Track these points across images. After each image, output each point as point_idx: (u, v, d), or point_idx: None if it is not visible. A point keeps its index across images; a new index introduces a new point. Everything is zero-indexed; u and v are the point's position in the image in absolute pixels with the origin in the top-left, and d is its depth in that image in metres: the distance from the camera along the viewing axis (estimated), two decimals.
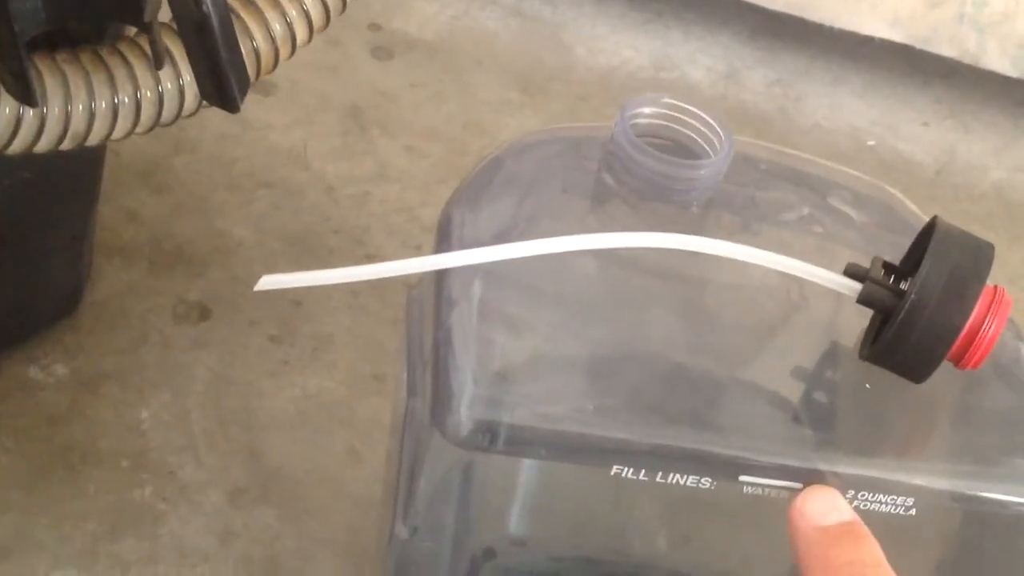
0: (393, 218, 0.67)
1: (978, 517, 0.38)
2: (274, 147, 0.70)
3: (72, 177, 0.53)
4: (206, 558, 0.49)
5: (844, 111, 0.80)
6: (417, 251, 0.65)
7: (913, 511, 0.36)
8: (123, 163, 0.66)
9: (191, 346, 0.58)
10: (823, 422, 0.37)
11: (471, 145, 0.73)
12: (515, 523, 0.45)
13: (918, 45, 0.79)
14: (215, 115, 0.69)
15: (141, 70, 0.43)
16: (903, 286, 0.35)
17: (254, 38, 0.45)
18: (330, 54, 0.77)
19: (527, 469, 0.43)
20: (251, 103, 0.72)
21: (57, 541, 0.49)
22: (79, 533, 0.49)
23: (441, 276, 0.39)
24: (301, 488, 0.52)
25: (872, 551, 0.32)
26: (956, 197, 0.76)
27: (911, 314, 0.33)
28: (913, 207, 0.45)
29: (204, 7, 0.37)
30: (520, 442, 0.35)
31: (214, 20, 0.37)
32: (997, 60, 0.78)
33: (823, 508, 0.33)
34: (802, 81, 0.82)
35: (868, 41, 0.80)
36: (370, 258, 0.64)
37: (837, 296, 0.40)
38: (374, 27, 0.79)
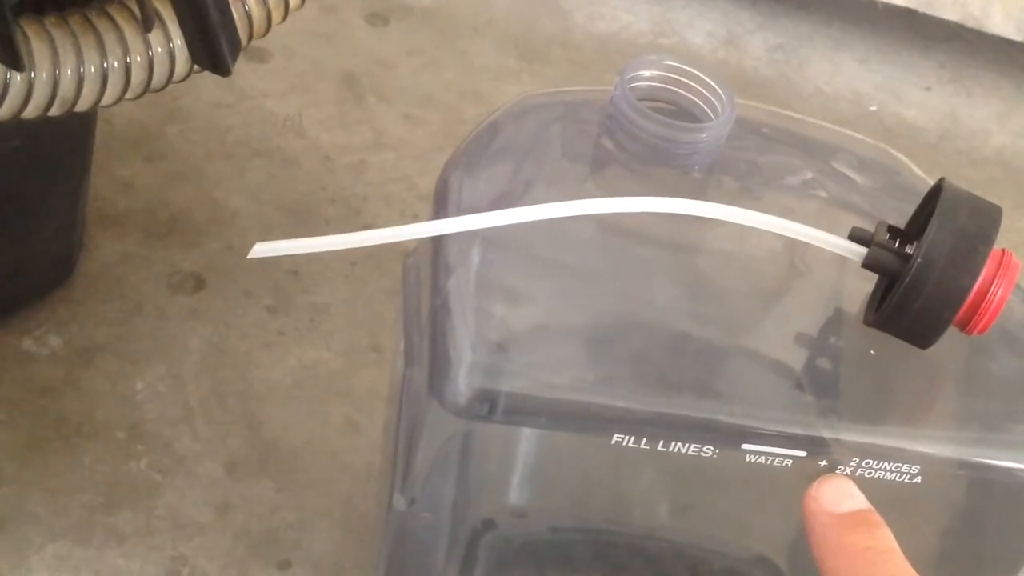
0: (390, 187, 0.66)
1: (983, 485, 0.38)
2: (269, 115, 0.69)
3: (63, 145, 0.52)
4: (203, 530, 0.49)
5: (846, 76, 0.79)
6: (414, 220, 0.64)
7: (919, 479, 0.35)
8: (116, 132, 0.65)
9: (186, 316, 0.57)
10: (827, 389, 0.37)
11: (468, 112, 0.72)
12: (515, 494, 0.45)
13: (921, 9, 0.78)
14: (209, 83, 0.68)
15: (131, 34, 0.42)
16: (909, 250, 0.34)
17: (246, 1, 0.44)
18: (325, 21, 0.75)
19: (527, 439, 0.42)
20: (246, 71, 0.72)
21: (52, 514, 0.48)
22: (74, 505, 0.49)
23: (438, 243, 0.38)
24: (299, 460, 0.52)
25: (886, 539, 0.32)
26: (959, 163, 0.75)
27: (917, 278, 0.33)
28: (918, 171, 0.44)
29: None
30: (519, 411, 0.34)
31: None
32: (1001, 24, 0.77)
33: (838, 496, 0.33)
34: (804, 46, 0.81)
35: (871, 5, 0.79)
36: (367, 227, 0.63)
37: (840, 262, 0.39)
38: None
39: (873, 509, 0.33)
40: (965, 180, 0.81)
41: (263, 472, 0.51)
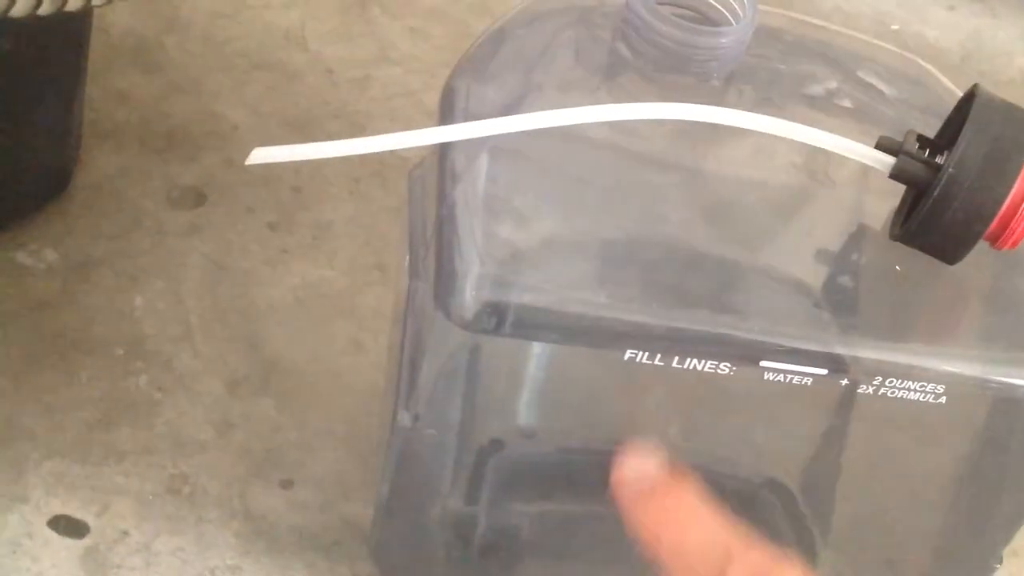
0: (395, 102, 0.64)
1: (1008, 405, 0.36)
2: (270, 27, 0.67)
3: (56, 50, 0.50)
4: (203, 448, 0.48)
5: None
6: None
7: (943, 399, 0.34)
8: (112, 42, 0.63)
9: (186, 232, 0.55)
10: (848, 306, 0.35)
11: (477, 26, 0.70)
12: (523, 413, 0.43)
13: None
14: None
15: None
16: (939, 160, 0.33)
17: None
18: None
19: (536, 356, 0.41)
20: None
21: (49, 430, 0.47)
22: (71, 422, 0.48)
23: (445, 152, 0.37)
24: (301, 379, 0.51)
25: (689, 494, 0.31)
26: (982, 83, 0.73)
27: (947, 188, 0.31)
28: (948, 83, 0.42)
29: None
30: (528, 324, 0.33)
31: None
32: None
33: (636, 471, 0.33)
34: None
35: None
36: None
37: (863, 176, 0.37)
38: None
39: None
40: None
41: (265, 391, 0.50)
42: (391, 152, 0.61)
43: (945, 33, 0.75)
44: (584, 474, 0.44)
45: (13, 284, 0.52)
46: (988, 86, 0.75)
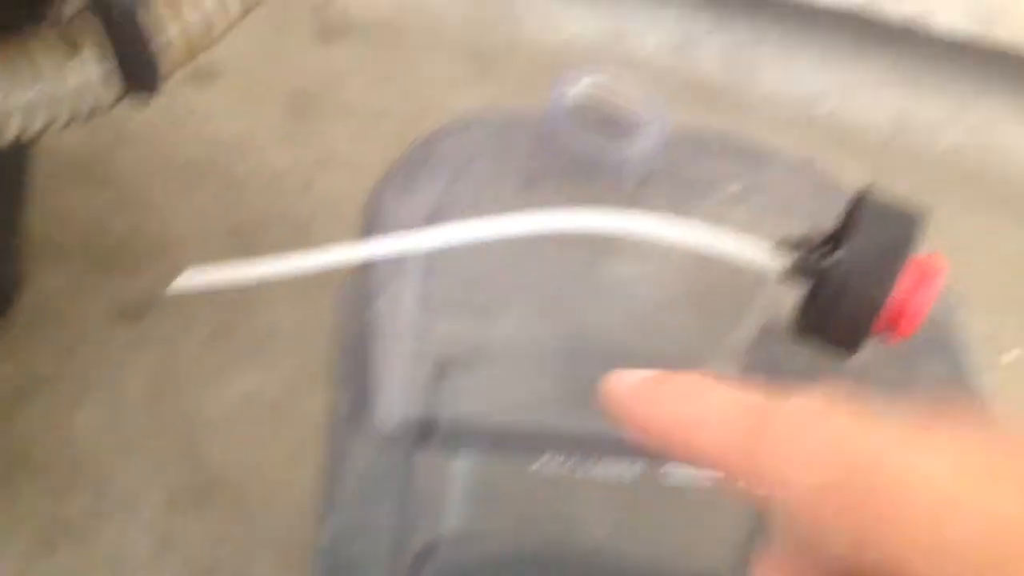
0: (340, 206, 0.66)
1: None
2: (217, 136, 0.68)
3: None
4: (144, 566, 0.48)
5: (798, 79, 0.79)
6: None
7: None
8: (58, 159, 0.64)
9: (129, 346, 0.56)
10: None
11: (421, 126, 0.71)
12: (456, 518, 0.44)
13: (868, 10, 0.77)
14: (154, 106, 0.67)
15: (53, 64, 0.41)
16: (832, 258, 0.34)
17: (183, 16, 0.43)
18: (273, 38, 0.75)
19: (464, 462, 0.41)
20: (192, 93, 0.71)
21: None
22: (12, 546, 0.48)
23: (366, 265, 0.38)
24: (242, 489, 0.51)
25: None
26: (910, 163, 0.75)
27: (838, 284, 0.32)
28: (847, 180, 0.44)
29: None
30: (441, 436, 0.34)
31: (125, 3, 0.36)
32: (948, 22, 0.77)
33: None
34: (755, 50, 0.80)
35: (820, 8, 0.79)
36: (317, 247, 0.62)
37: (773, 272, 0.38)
38: (318, 9, 0.78)
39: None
40: (916, 180, 0.80)
41: (205, 504, 0.50)
42: None
43: (874, 113, 0.77)
44: (519, 575, 0.45)
45: None
46: (916, 164, 0.77)
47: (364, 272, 0.38)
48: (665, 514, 0.40)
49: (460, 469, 0.40)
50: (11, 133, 0.42)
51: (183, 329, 0.57)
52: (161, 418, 0.53)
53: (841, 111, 0.77)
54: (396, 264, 0.37)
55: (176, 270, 0.60)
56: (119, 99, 0.45)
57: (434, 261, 0.37)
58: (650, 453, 0.33)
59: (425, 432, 0.34)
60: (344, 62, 0.75)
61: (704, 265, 0.39)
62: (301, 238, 0.63)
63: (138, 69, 0.40)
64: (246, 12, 0.46)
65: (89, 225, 0.62)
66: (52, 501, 0.49)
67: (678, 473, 0.33)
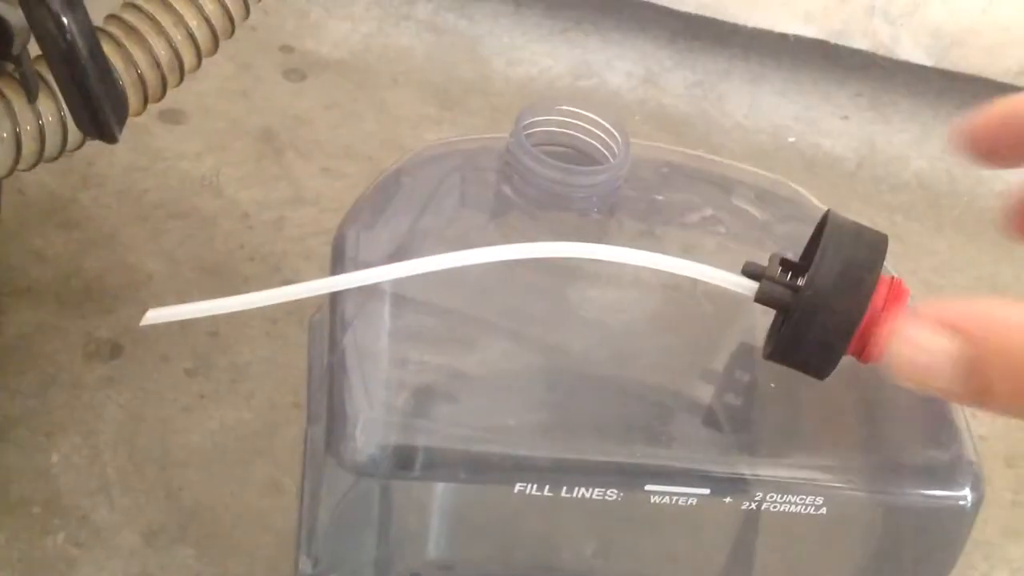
0: (310, 242, 0.66)
1: (894, 512, 0.38)
2: (185, 176, 0.68)
3: None
4: None
5: (765, 109, 0.80)
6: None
7: (824, 510, 0.35)
8: (27, 200, 0.65)
9: (102, 385, 0.56)
10: (728, 425, 0.36)
11: (389, 163, 0.72)
12: (438, 546, 0.44)
13: (832, 39, 0.79)
14: (123, 147, 0.67)
15: (19, 104, 0.42)
16: (800, 282, 0.34)
17: (138, 66, 0.44)
18: (241, 78, 0.75)
19: (443, 490, 0.41)
20: (161, 132, 0.71)
21: None
22: None
23: (335, 299, 0.38)
24: (221, 524, 0.51)
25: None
26: (878, 189, 0.76)
27: (806, 310, 0.33)
28: (816, 201, 0.45)
29: (68, 36, 0.36)
30: (415, 465, 0.34)
31: (81, 49, 0.36)
32: (911, 50, 0.78)
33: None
34: (722, 81, 0.82)
35: (784, 38, 0.80)
36: (287, 283, 0.63)
37: (738, 300, 0.39)
38: (286, 49, 0.78)
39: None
40: (885, 205, 0.82)
41: (183, 539, 0.50)
42: None
43: (841, 142, 0.79)
44: None
45: None
46: (885, 190, 0.78)
47: (334, 305, 0.38)
48: (647, 533, 0.40)
49: (440, 497, 0.40)
50: None
51: (158, 366, 0.57)
52: (137, 455, 0.53)
53: (809, 140, 0.78)
54: (367, 296, 0.38)
55: (149, 307, 0.60)
56: (84, 142, 0.45)
57: (407, 291, 0.37)
58: (629, 475, 0.34)
59: (402, 461, 0.34)
60: (311, 101, 0.75)
61: (678, 289, 0.40)
62: (272, 273, 0.63)
63: (97, 118, 0.40)
64: (200, 61, 0.47)
65: (60, 265, 0.62)
66: (28, 539, 0.49)
67: (659, 492, 0.34)
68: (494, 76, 0.80)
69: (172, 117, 0.71)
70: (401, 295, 0.37)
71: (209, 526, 0.51)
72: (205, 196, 0.67)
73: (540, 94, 0.79)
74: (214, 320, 0.60)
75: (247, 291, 0.63)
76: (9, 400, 0.55)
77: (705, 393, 0.38)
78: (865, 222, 0.34)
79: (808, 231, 0.39)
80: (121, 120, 0.40)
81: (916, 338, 0.24)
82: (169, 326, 0.60)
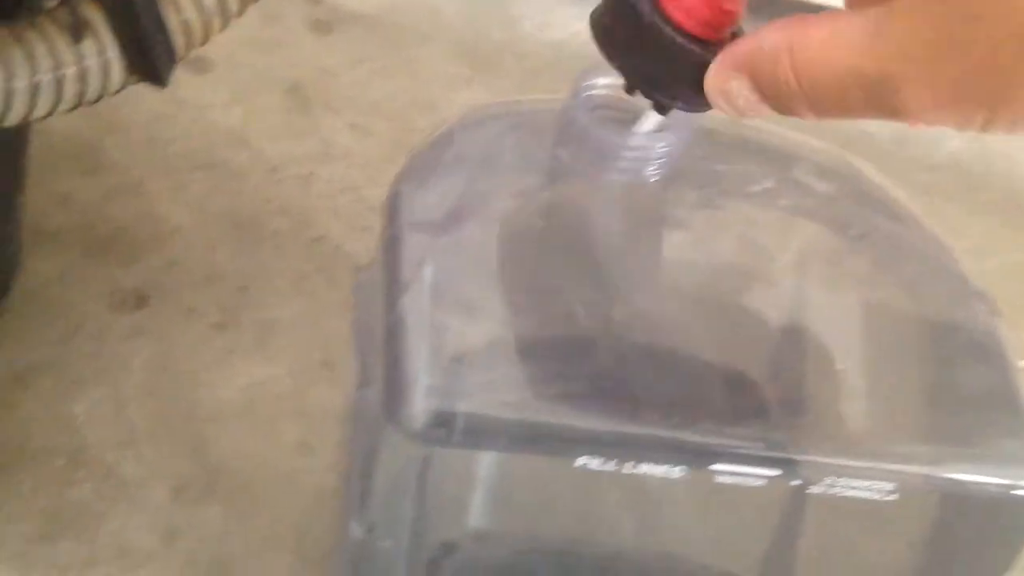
0: (339, 199, 0.65)
1: (956, 500, 0.37)
2: (212, 126, 0.67)
3: None
4: (149, 559, 0.47)
5: None
6: (365, 232, 0.63)
7: (892, 496, 0.34)
8: (54, 145, 0.63)
9: (128, 335, 0.55)
10: (798, 407, 0.36)
11: (418, 122, 0.71)
12: (477, 516, 0.43)
13: None
14: (149, 94, 0.66)
15: (62, 46, 0.40)
16: None
17: (183, 10, 0.42)
18: (269, 29, 0.74)
19: (488, 459, 0.41)
20: (187, 81, 0.70)
21: None
22: (13, 535, 0.47)
23: (390, 258, 0.37)
24: (248, 482, 0.50)
25: None
26: (913, 168, 0.75)
27: None
28: (876, 176, 0.44)
29: None
30: (479, 433, 0.33)
31: None
32: None
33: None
34: None
35: (821, 9, 0.79)
36: (316, 240, 0.62)
37: (806, 275, 0.38)
38: (313, 0, 0.77)
39: None
40: (920, 185, 0.81)
41: (211, 496, 0.49)
42: (336, 248, 0.62)
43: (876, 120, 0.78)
44: (538, 573, 0.44)
45: None
46: (920, 170, 0.77)
47: (389, 267, 0.37)
48: (694, 515, 0.40)
49: (489, 466, 0.40)
50: (17, 114, 0.41)
51: (185, 319, 0.56)
52: (163, 408, 0.52)
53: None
54: (425, 258, 0.37)
55: (175, 259, 0.59)
56: (126, 84, 0.44)
57: (465, 252, 0.36)
58: (698, 454, 0.33)
59: (446, 428, 0.33)
60: (340, 55, 0.74)
61: (735, 262, 0.39)
62: (301, 229, 0.62)
63: (147, 60, 0.39)
64: (246, 7, 0.45)
65: (85, 213, 0.61)
66: (53, 491, 0.48)
67: (727, 473, 0.33)
68: (525, 38, 0.78)
69: (198, 67, 0.70)
70: (459, 257, 0.36)
71: (237, 484, 0.50)
72: (232, 148, 0.66)
73: (570, 57, 0.78)
74: (242, 274, 0.59)
75: (276, 246, 0.62)
76: (32, 348, 0.54)
77: (775, 373, 0.37)
78: None
79: (870, 208, 0.39)
80: (171, 63, 0.38)
81: (717, 79, 0.29)
82: (196, 279, 0.59)
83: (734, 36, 0.31)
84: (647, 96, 0.32)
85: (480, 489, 0.42)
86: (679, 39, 0.30)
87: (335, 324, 0.57)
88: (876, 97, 0.26)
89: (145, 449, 0.51)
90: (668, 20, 0.30)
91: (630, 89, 0.33)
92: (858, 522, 0.38)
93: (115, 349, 0.54)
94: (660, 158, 0.39)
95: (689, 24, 0.30)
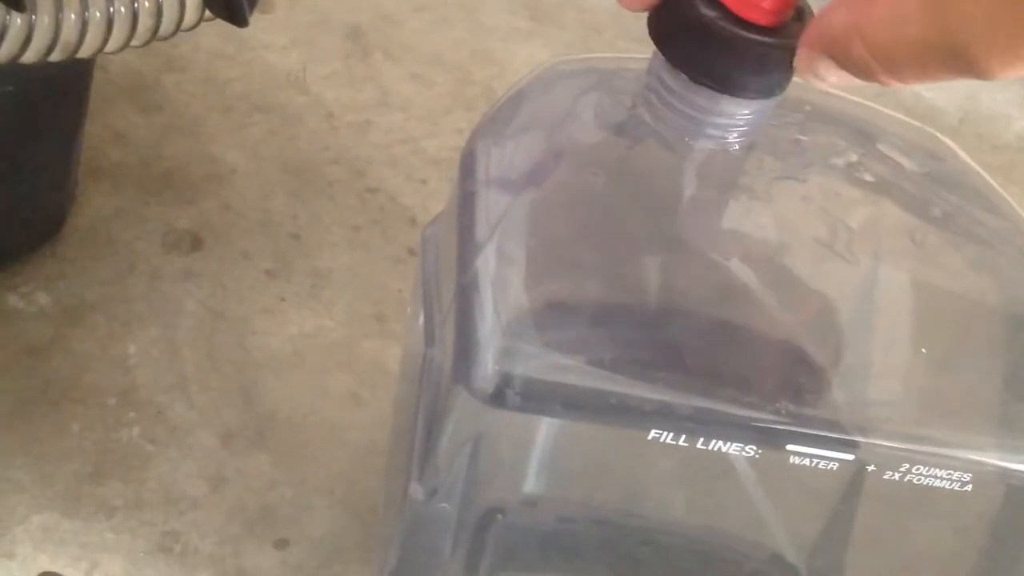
0: (396, 149, 0.64)
1: (1021, 496, 0.36)
2: (271, 68, 0.66)
3: (60, 93, 0.49)
4: (196, 504, 0.46)
5: None
6: (422, 185, 0.62)
7: (969, 487, 0.33)
8: (111, 80, 0.62)
9: (181, 277, 0.54)
10: (877, 389, 0.34)
11: (478, 74, 0.70)
12: (527, 482, 0.42)
13: None
14: (209, 32, 0.65)
15: None
16: None
17: None
18: None
19: (546, 424, 0.40)
20: None
21: (37, 482, 0.46)
22: (61, 474, 0.46)
23: (466, 216, 0.36)
24: (298, 432, 0.49)
25: None
26: (979, 147, 0.73)
27: None
28: (965, 156, 0.42)
29: None
30: (552, 400, 0.32)
31: None
32: None
33: None
34: None
35: None
36: (371, 191, 0.61)
37: (884, 255, 0.37)
38: None
39: None
40: (985, 165, 0.79)
41: (260, 445, 0.49)
42: (392, 199, 0.61)
43: (942, 95, 0.76)
44: (583, 541, 0.43)
45: (4, 329, 0.50)
46: (986, 149, 0.75)
47: (464, 222, 0.36)
48: (748, 493, 0.39)
49: (549, 433, 0.39)
50: (90, 46, 0.40)
51: (238, 264, 0.55)
52: (216, 353, 0.51)
53: (910, 91, 0.75)
54: (502, 215, 0.36)
55: (230, 203, 0.58)
56: (201, 22, 0.43)
57: (545, 212, 0.35)
58: (775, 434, 0.32)
59: (521, 394, 0.32)
60: (401, 2, 0.73)
61: (816, 242, 0.38)
62: (356, 179, 0.61)
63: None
64: None
65: (141, 151, 0.60)
66: (103, 430, 0.48)
67: (801, 454, 0.32)
68: None
69: (259, 6, 0.69)
70: (539, 217, 0.35)
71: (286, 433, 0.49)
72: (290, 91, 0.65)
73: (636, 16, 0.76)
74: (296, 222, 0.58)
75: (331, 195, 0.61)
76: (86, 286, 0.53)
77: (855, 357, 0.36)
78: None
79: (957, 189, 0.37)
80: (253, 2, 0.37)
81: (804, 62, 0.31)
82: (250, 224, 0.58)
83: (799, 14, 0.33)
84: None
85: (534, 455, 0.41)
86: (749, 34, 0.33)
87: (387, 277, 0.56)
88: (951, 61, 0.26)
89: (195, 394, 0.50)
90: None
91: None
92: (915, 510, 0.37)
93: (169, 290, 0.54)
94: (744, 126, 0.38)
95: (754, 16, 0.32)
